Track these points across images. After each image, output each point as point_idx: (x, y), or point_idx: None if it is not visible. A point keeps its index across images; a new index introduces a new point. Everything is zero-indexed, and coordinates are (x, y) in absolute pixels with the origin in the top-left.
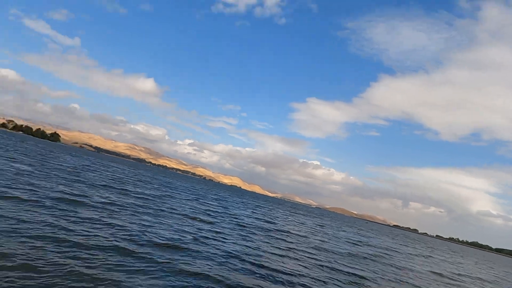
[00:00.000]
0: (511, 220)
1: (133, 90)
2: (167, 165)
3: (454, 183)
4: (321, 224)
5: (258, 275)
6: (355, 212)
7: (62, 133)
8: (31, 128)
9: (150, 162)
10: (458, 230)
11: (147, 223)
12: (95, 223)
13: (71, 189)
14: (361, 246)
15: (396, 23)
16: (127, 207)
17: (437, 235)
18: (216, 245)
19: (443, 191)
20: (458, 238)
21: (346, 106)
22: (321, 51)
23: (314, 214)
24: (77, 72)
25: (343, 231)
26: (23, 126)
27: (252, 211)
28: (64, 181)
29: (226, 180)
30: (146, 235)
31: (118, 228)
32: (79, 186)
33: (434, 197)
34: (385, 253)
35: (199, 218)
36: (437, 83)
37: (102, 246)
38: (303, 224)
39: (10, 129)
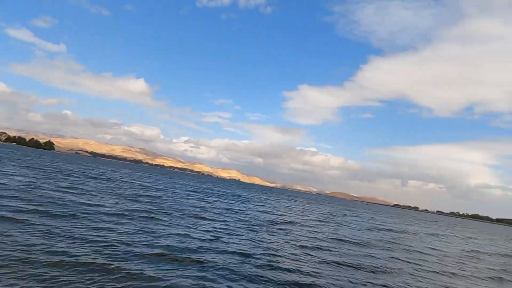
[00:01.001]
0: (509, 190)
1: (124, 91)
2: (164, 164)
3: (451, 158)
4: (332, 212)
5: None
6: (355, 195)
7: (56, 141)
8: (24, 139)
9: (147, 163)
10: (458, 204)
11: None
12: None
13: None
14: (381, 231)
15: (384, 2)
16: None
17: (437, 211)
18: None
19: (441, 167)
20: (458, 212)
21: (339, 91)
22: (309, 38)
23: (318, 201)
24: (66, 78)
25: (355, 216)
26: (16, 137)
27: (260, 205)
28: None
29: (225, 174)
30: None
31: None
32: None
33: (433, 173)
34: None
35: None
36: (428, 60)
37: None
38: (313, 212)
39: (3, 141)
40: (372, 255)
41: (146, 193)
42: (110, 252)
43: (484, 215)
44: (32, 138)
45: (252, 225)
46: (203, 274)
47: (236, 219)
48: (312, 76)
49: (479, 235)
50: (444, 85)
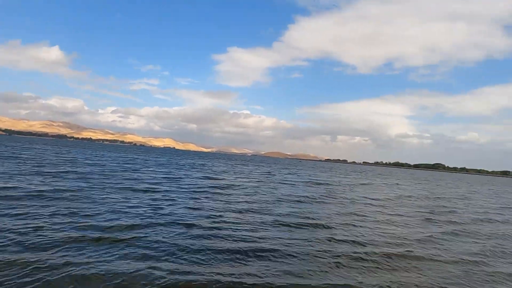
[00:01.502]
0: (424, 138)
1: (37, 60)
2: (92, 137)
3: (374, 112)
4: (268, 172)
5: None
6: (289, 154)
7: None
8: None
9: (73, 137)
10: (381, 154)
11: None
12: None
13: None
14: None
15: None
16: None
17: (364, 162)
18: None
19: (366, 121)
20: (382, 161)
21: (267, 52)
22: None
23: (255, 162)
24: None
25: (291, 174)
26: None
27: (198, 171)
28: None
29: (158, 143)
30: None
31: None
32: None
33: (358, 127)
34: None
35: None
36: (350, 18)
37: None
38: (251, 173)
39: None
40: (312, 210)
41: (73, 169)
42: (35, 240)
43: (404, 162)
44: None
45: (193, 191)
46: (145, 252)
47: (175, 187)
48: (241, 38)
49: (403, 181)
50: (365, 43)
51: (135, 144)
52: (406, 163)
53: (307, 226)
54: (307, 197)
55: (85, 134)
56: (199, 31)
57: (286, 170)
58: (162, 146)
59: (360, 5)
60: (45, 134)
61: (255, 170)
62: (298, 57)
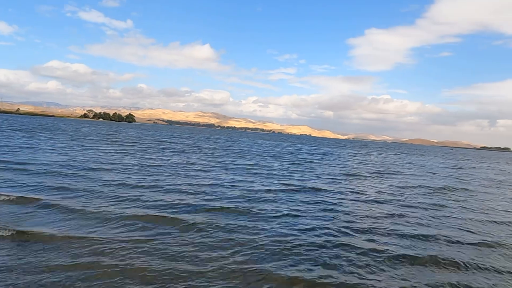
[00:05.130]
0: None
1: (192, 59)
2: (236, 126)
3: None
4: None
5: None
6: (435, 141)
7: (136, 113)
8: (109, 114)
9: (219, 126)
10: None
11: None
12: None
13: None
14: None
15: None
16: None
17: None
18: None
19: None
20: None
21: (410, 30)
22: None
23: (398, 150)
24: (137, 52)
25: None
26: (101, 113)
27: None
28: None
29: (295, 131)
30: None
31: None
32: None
33: None
34: None
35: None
36: None
37: None
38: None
39: (92, 118)
40: None
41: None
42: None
43: None
44: (115, 113)
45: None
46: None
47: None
48: (380, 17)
49: None
50: None
51: (273, 132)
52: None
53: None
54: None
55: (230, 123)
56: (335, 13)
57: (458, 160)
58: (299, 134)
59: None
60: (197, 124)
61: (414, 159)
62: (447, 33)
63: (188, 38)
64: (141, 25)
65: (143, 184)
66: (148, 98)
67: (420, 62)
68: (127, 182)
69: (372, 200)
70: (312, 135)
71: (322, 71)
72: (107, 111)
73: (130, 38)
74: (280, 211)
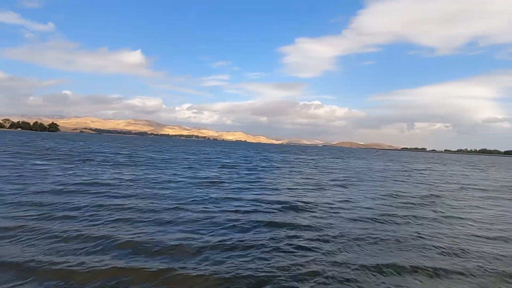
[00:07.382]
0: None
1: (122, 65)
2: (170, 134)
3: (456, 96)
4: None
5: None
6: (362, 143)
7: (60, 122)
8: (29, 123)
9: (152, 133)
10: (465, 141)
11: None
12: None
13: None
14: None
15: None
16: None
17: (445, 150)
18: None
19: (447, 105)
20: (466, 149)
21: (336, 40)
22: None
23: (331, 154)
24: (61, 57)
25: (383, 167)
26: (20, 122)
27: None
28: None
29: (230, 137)
30: None
31: None
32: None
33: (439, 113)
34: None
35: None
36: None
37: None
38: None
39: (8, 128)
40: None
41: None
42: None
43: (493, 148)
44: (36, 122)
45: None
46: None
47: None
48: (309, 27)
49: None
50: (447, 22)
51: (208, 138)
52: (496, 150)
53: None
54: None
55: (164, 131)
56: (266, 24)
57: (374, 162)
58: (234, 140)
59: None
60: (129, 132)
61: (338, 162)
62: (369, 43)
63: (117, 43)
64: (64, 28)
65: None
66: (74, 105)
67: (346, 70)
68: None
69: (370, 219)
70: (247, 141)
71: (256, 77)
72: (27, 120)
73: (53, 42)
74: None
